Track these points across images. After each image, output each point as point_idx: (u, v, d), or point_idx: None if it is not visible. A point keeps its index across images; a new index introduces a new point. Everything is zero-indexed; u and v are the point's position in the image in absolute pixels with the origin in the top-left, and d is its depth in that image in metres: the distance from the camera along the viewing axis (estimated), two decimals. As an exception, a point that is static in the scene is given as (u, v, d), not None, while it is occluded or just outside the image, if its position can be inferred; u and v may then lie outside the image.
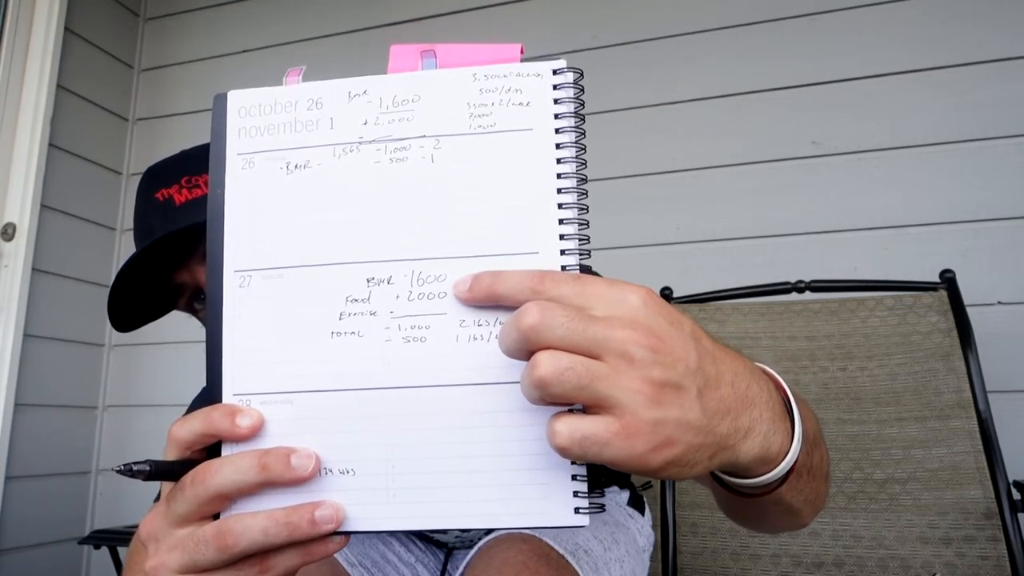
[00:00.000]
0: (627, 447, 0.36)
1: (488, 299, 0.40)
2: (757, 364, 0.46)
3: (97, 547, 1.63)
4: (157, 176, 0.79)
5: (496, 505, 0.40)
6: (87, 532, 1.92)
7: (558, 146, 0.42)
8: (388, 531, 0.42)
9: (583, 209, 0.42)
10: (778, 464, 0.43)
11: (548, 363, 0.36)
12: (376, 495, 0.40)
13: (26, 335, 1.87)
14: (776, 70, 1.74)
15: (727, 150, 1.75)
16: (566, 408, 0.38)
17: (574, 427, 0.36)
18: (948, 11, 1.64)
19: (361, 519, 0.40)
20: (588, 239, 0.42)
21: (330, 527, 0.40)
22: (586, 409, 0.37)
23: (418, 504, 0.40)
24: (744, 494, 0.48)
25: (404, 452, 0.41)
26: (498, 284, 0.39)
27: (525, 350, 0.37)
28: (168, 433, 0.43)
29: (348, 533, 0.41)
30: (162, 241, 0.73)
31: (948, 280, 1.39)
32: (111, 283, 0.77)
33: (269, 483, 0.40)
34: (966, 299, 1.36)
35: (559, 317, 0.36)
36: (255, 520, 0.39)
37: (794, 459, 0.44)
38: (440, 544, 0.94)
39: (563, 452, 0.37)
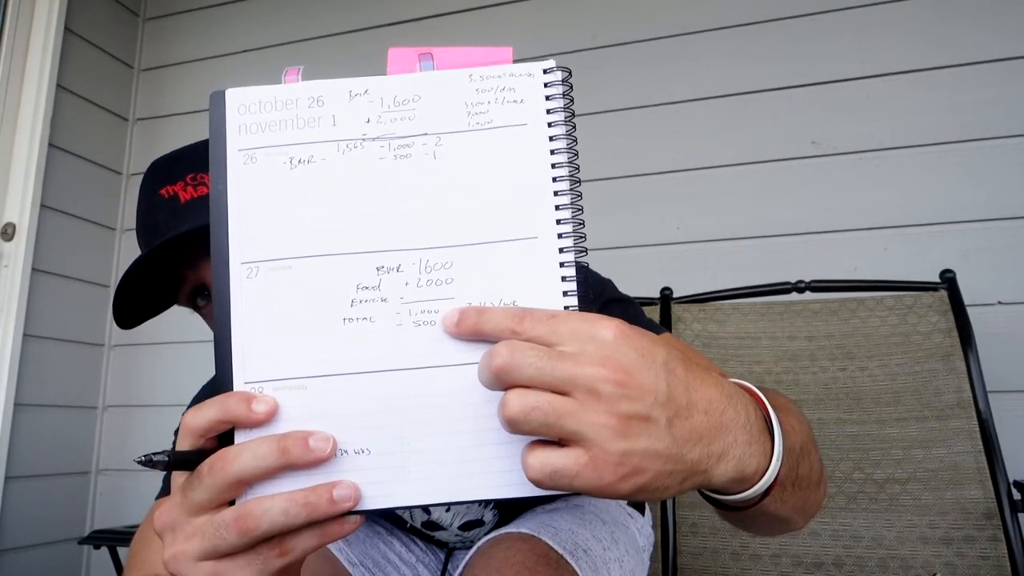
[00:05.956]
0: (595, 478, 0.38)
1: (473, 335, 0.42)
2: (737, 382, 0.48)
3: (97, 547, 1.62)
4: (161, 172, 0.79)
5: (507, 476, 0.42)
6: (87, 532, 1.92)
7: (551, 139, 0.45)
8: (403, 507, 0.43)
9: (577, 196, 0.44)
10: (756, 483, 0.44)
11: (516, 402, 0.38)
12: (391, 472, 0.42)
13: (26, 335, 1.87)
14: (776, 70, 1.74)
15: (727, 150, 1.75)
16: (541, 439, 0.40)
17: (545, 461, 0.38)
18: (948, 11, 1.64)
19: (377, 497, 0.42)
20: (583, 224, 0.44)
21: (348, 505, 0.40)
22: (559, 441, 0.39)
23: (432, 479, 0.42)
24: (727, 507, 0.49)
25: (417, 430, 0.42)
26: (482, 323, 0.41)
27: (498, 387, 0.39)
28: (181, 422, 0.43)
29: (364, 513, 0.42)
30: (169, 240, 0.73)
31: (948, 280, 1.39)
32: (118, 283, 0.77)
33: (288, 466, 0.41)
34: (966, 299, 1.36)
35: (528, 357, 0.38)
36: (275, 502, 0.40)
37: (773, 477, 0.45)
38: (441, 544, 0.94)
39: (536, 484, 0.39)
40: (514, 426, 0.38)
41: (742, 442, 0.43)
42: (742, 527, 0.62)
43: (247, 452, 0.41)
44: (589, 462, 0.38)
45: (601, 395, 0.38)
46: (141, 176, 0.82)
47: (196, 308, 0.82)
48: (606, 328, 0.39)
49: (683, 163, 1.77)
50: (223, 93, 0.46)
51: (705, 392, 0.42)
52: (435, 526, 0.89)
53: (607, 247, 1.75)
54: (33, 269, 1.89)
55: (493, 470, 0.42)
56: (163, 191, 0.76)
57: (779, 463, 0.45)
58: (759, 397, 0.47)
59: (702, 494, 0.49)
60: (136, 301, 0.81)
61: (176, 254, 0.76)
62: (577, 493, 0.40)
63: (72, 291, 2.04)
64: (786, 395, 0.61)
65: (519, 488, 0.41)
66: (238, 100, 0.46)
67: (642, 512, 0.99)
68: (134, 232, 0.82)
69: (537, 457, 0.38)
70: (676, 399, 0.40)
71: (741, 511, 0.49)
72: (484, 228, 0.44)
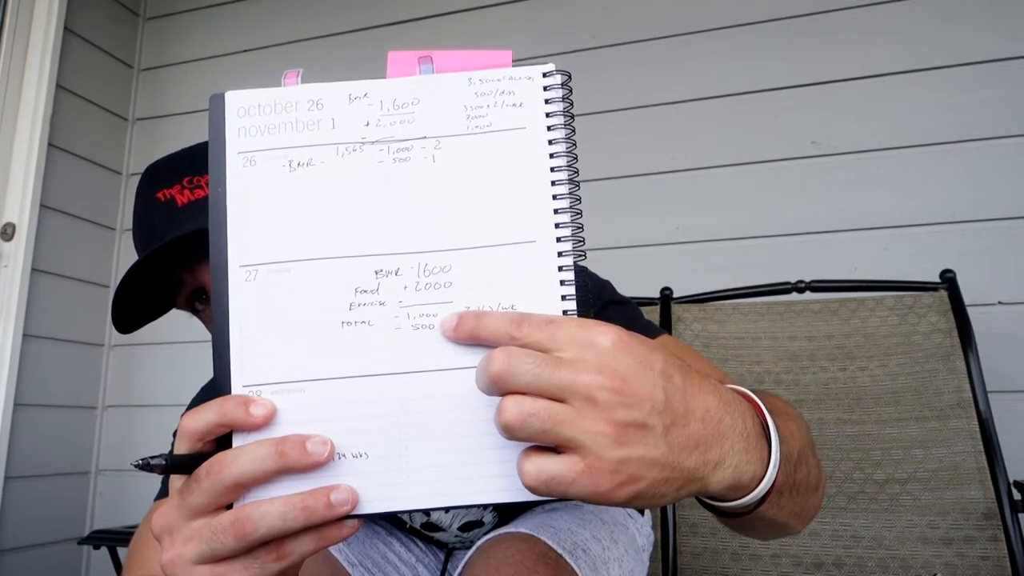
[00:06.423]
0: (591, 485, 0.38)
1: (471, 340, 0.42)
2: (737, 388, 0.47)
3: (97, 547, 1.63)
4: (158, 175, 0.79)
5: (506, 480, 0.41)
6: (87, 532, 1.92)
7: (550, 142, 0.45)
8: (402, 511, 0.42)
9: (576, 200, 0.44)
10: (752, 490, 0.45)
11: (512, 409, 0.38)
12: (389, 476, 0.42)
13: (26, 335, 1.87)
14: (776, 70, 1.74)
15: (727, 150, 1.75)
16: (537, 445, 0.40)
17: (541, 468, 0.38)
18: (948, 11, 1.64)
19: (375, 501, 0.42)
20: (582, 228, 0.44)
21: (346, 509, 0.40)
22: (556, 448, 0.39)
23: (430, 483, 0.42)
24: (724, 513, 0.49)
25: (416, 433, 0.42)
26: (480, 328, 0.41)
27: (496, 393, 0.39)
28: (179, 425, 0.43)
29: (362, 516, 0.42)
30: (167, 244, 0.72)
31: (948, 280, 1.38)
32: (116, 287, 0.76)
33: (286, 470, 0.41)
34: (966, 299, 1.36)
35: (525, 364, 0.38)
36: (272, 506, 0.40)
37: (769, 484, 0.45)
38: (440, 544, 0.94)
39: (531, 491, 0.39)
40: (510, 432, 0.38)
41: (739, 450, 0.43)
42: (739, 531, 0.62)
43: (245, 455, 0.41)
44: (585, 469, 0.38)
45: (598, 402, 0.38)
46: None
47: (194, 312, 0.81)
48: (604, 335, 0.39)
49: (683, 163, 1.77)
50: (223, 96, 0.46)
51: (703, 399, 0.42)
52: (434, 527, 0.89)
53: (607, 247, 1.75)
54: (33, 269, 1.89)
55: (492, 474, 0.41)
56: (159, 194, 0.76)
57: (776, 471, 0.45)
58: (757, 404, 0.47)
59: (699, 500, 0.49)
60: (134, 305, 0.81)
61: (174, 258, 0.75)
62: (573, 500, 0.40)
63: (72, 291, 2.04)
64: (786, 397, 0.61)
65: (517, 493, 0.41)
66: (238, 103, 0.46)
67: (641, 512, 0.99)
68: (133, 234, 0.82)
69: (533, 464, 0.38)
70: (673, 407, 0.40)
71: (738, 517, 0.49)
72: (483, 232, 0.44)
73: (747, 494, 0.45)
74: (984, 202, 1.56)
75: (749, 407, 0.46)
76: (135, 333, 0.84)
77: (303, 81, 0.46)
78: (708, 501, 0.48)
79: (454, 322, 0.42)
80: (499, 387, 0.39)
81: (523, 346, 0.39)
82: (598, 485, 0.38)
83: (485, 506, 0.87)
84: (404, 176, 0.45)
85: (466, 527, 0.89)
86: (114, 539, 1.59)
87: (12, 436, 1.82)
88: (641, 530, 0.95)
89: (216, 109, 0.46)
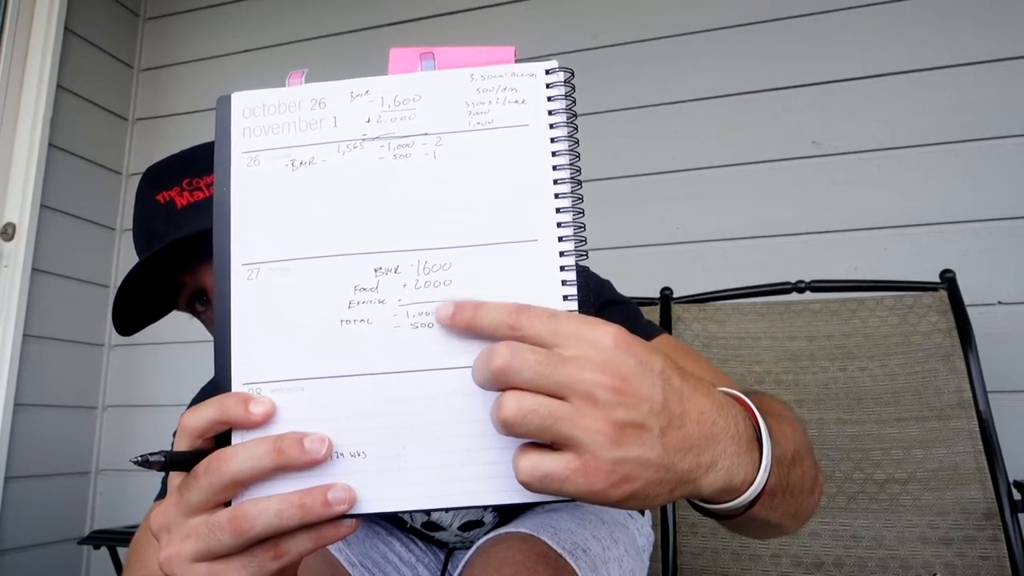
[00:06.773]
0: (586, 484, 0.38)
1: (468, 330, 0.41)
2: (729, 391, 0.48)
3: (97, 547, 1.62)
4: (157, 177, 0.79)
5: (504, 481, 0.41)
6: (87, 532, 1.92)
7: (553, 140, 0.45)
8: (399, 511, 0.42)
9: (578, 199, 0.44)
10: (743, 493, 0.45)
11: (512, 404, 0.38)
12: (387, 476, 0.42)
13: (26, 335, 1.87)
14: (776, 70, 1.74)
15: (727, 150, 1.75)
16: (533, 442, 0.40)
17: (536, 464, 0.38)
18: (948, 11, 1.64)
19: (373, 500, 0.41)
20: (584, 227, 0.44)
21: (343, 508, 0.40)
22: (552, 444, 0.39)
23: (428, 484, 0.42)
24: (715, 515, 0.50)
25: (414, 433, 0.42)
26: (478, 318, 0.41)
27: (495, 388, 0.39)
28: (179, 422, 0.43)
29: (360, 516, 0.42)
30: (168, 245, 0.72)
31: (948, 280, 1.39)
32: (117, 289, 0.76)
33: (284, 467, 0.41)
34: (966, 299, 1.36)
35: (527, 360, 0.38)
36: (269, 504, 0.40)
37: (760, 487, 0.45)
38: (440, 544, 0.94)
39: (526, 487, 0.39)
40: (509, 428, 0.38)
41: (731, 453, 0.43)
42: (733, 531, 0.62)
43: (243, 453, 0.41)
44: (580, 467, 0.38)
45: (598, 401, 0.38)
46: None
47: (195, 313, 0.81)
48: (606, 333, 0.39)
49: (683, 163, 1.77)
50: (229, 97, 0.46)
51: (698, 402, 0.42)
52: (435, 527, 0.89)
53: (607, 247, 1.75)
54: (33, 269, 1.89)
55: (490, 475, 0.41)
56: (159, 196, 0.76)
57: (767, 474, 0.45)
58: (750, 408, 0.47)
59: (690, 503, 0.49)
60: (135, 307, 0.81)
61: (175, 259, 0.76)
62: (566, 500, 0.40)
63: (72, 291, 2.03)
64: (786, 397, 0.61)
65: (515, 494, 0.41)
66: (243, 103, 0.46)
67: (642, 512, 0.99)
68: (133, 234, 0.82)
69: (529, 460, 0.38)
70: (670, 408, 0.40)
71: (730, 518, 0.49)
72: (484, 230, 0.43)
73: (738, 497, 0.45)
74: (984, 202, 1.56)
75: (742, 410, 0.46)
76: (135, 333, 0.84)
77: (308, 81, 0.46)
78: (699, 503, 0.48)
79: (451, 310, 0.41)
80: (500, 382, 0.38)
81: (523, 337, 0.39)
82: (592, 484, 0.38)
83: (485, 506, 0.87)
84: (405, 173, 0.45)
85: (466, 527, 0.89)
86: (114, 539, 1.59)
87: (12, 436, 1.82)
88: (641, 530, 0.95)
89: (222, 110, 0.46)
